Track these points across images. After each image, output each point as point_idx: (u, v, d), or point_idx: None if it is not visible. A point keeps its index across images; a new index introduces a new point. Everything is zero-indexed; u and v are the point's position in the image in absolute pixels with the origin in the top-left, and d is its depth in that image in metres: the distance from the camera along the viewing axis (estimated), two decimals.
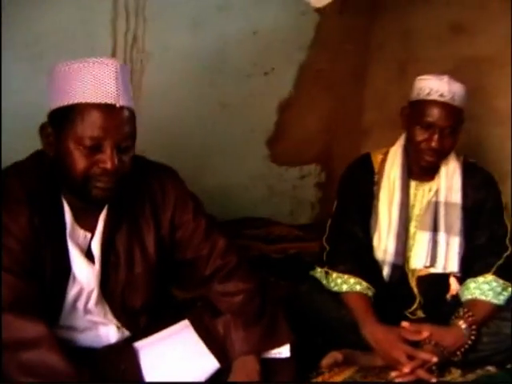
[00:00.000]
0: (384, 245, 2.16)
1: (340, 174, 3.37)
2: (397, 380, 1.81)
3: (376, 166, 2.25)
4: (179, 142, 2.73)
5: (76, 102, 1.36)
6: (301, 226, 3.41)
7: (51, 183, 1.46)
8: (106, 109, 1.37)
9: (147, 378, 1.42)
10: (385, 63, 3.42)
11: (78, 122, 1.36)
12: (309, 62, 3.23)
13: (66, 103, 1.38)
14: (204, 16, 2.77)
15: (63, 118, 1.38)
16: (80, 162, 1.37)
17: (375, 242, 2.17)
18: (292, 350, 1.61)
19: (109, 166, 1.37)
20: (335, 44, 3.28)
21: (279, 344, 1.58)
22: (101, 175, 1.39)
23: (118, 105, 1.37)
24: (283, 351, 1.58)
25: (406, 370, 1.79)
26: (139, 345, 1.50)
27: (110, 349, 1.49)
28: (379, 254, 2.16)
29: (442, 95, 2.03)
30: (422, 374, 1.80)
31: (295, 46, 3.16)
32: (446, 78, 2.06)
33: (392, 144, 2.30)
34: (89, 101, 1.36)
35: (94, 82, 1.36)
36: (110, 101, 1.37)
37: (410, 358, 1.83)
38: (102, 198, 1.42)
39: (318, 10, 3.19)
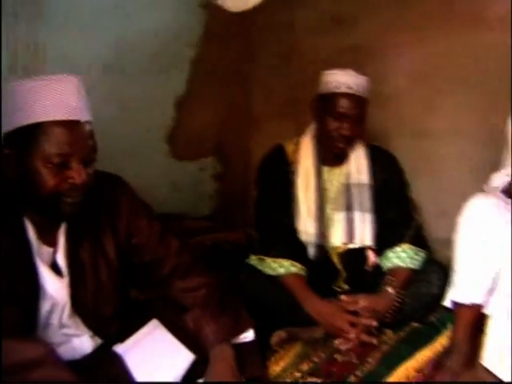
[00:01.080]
0: (306, 227, 2.34)
1: (233, 165, 3.55)
2: (341, 347, 2.00)
3: (290, 156, 2.42)
4: None
5: (39, 120, 1.37)
6: (205, 218, 3.51)
7: (11, 203, 1.46)
8: (71, 125, 1.39)
9: (138, 379, 1.48)
10: (270, 56, 3.59)
11: (44, 141, 1.37)
12: (199, 58, 3.33)
13: (27, 123, 1.38)
14: (100, 19, 2.77)
15: (26, 138, 1.38)
16: (49, 179, 1.39)
17: (298, 226, 2.34)
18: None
19: (78, 181, 1.41)
20: (223, 39, 3.40)
21: (245, 329, 1.70)
22: (70, 190, 1.42)
23: (82, 120, 1.41)
24: (249, 335, 1.70)
25: (352, 335, 1.99)
26: (120, 350, 1.54)
27: (94, 358, 1.53)
28: (303, 236, 2.34)
29: (349, 87, 2.24)
30: (365, 337, 2.02)
31: (187, 44, 3.23)
32: (351, 72, 2.28)
33: (282, 133, 2.50)
34: (52, 118, 1.38)
35: (57, 99, 1.38)
36: (73, 117, 1.40)
37: (352, 325, 2.03)
38: (71, 212, 1.45)
39: (205, 7, 3.30)
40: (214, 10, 3.20)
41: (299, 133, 2.57)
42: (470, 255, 2.00)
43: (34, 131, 1.37)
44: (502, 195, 2.05)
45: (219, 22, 3.32)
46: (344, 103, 2.23)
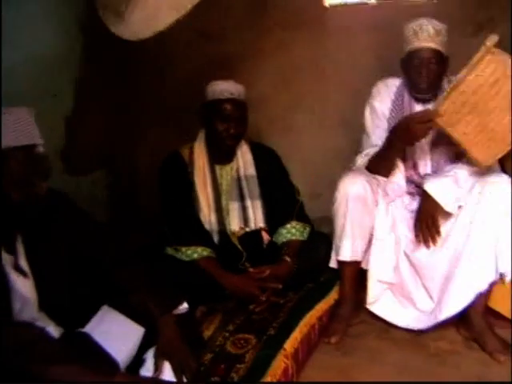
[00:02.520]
0: (208, 218, 2.72)
1: (122, 174, 3.82)
2: (256, 309, 2.42)
3: (186, 159, 2.79)
4: None
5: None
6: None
7: None
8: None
9: (110, 352, 1.79)
10: (145, 69, 3.89)
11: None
12: (83, 78, 3.58)
13: None
14: None
15: None
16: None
17: (202, 218, 2.72)
18: None
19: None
20: (101, 58, 3.68)
21: (180, 302, 2.04)
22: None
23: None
24: (184, 307, 2.05)
25: (263, 298, 2.44)
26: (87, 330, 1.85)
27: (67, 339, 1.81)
28: (207, 225, 2.72)
29: (231, 93, 2.66)
30: (273, 298, 2.46)
31: (71, 66, 3.48)
32: (231, 81, 2.70)
33: (164, 139, 3.09)
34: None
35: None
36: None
37: (262, 290, 2.46)
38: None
39: (83, 30, 3.57)
40: (92, 33, 3.48)
41: (180, 136, 2.93)
42: (347, 222, 2.49)
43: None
44: (365, 171, 2.57)
45: (97, 43, 3.58)
46: (228, 106, 2.64)
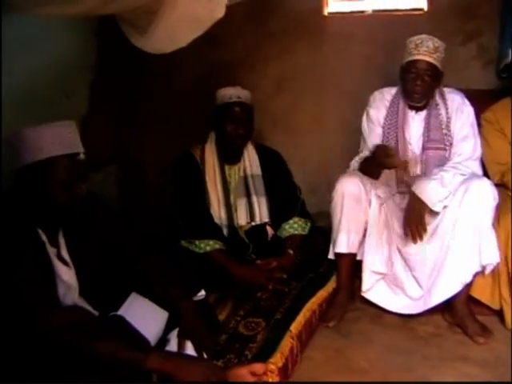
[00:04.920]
0: (218, 213, 3.00)
1: (130, 170, 4.05)
2: (263, 296, 2.69)
3: (198, 159, 3.05)
4: None
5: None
6: None
7: (27, 218, 1.97)
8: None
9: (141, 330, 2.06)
10: (152, 72, 4.12)
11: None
12: (96, 81, 3.83)
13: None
14: (11, 56, 3.14)
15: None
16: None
17: (212, 213, 2.99)
18: None
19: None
20: (114, 62, 3.92)
21: (199, 289, 2.32)
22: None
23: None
24: (202, 294, 2.32)
25: (270, 287, 2.71)
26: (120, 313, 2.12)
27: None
28: (216, 220, 2.99)
29: (239, 97, 2.94)
30: (279, 287, 2.73)
31: (85, 69, 3.72)
32: (238, 87, 2.96)
33: (168, 138, 3.49)
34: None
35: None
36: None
37: (269, 279, 2.74)
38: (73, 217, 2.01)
39: (98, 35, 3.81)
40: (105, 38, 3.72)
41: (183, 134, 3.22)
42: (343, 218, 2.77)
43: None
44: (360, 173, 2.84)
45: (109, 48, 3.82)
46: (237, 109, 2.92)
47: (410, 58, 2.75)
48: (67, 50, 3.53)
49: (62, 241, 2.05)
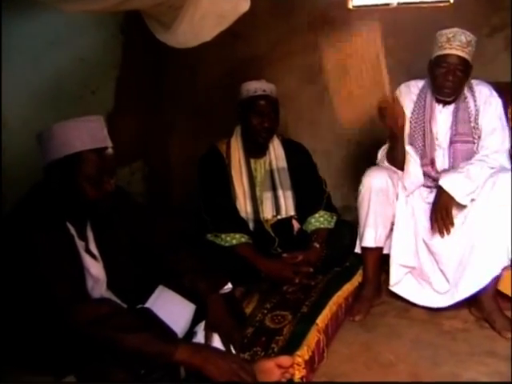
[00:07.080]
0: (244, 207, 3.01)
1: (157, 165, 4.08)
2: (290, 290, 2.70)
3: (223, 153, 3.06)
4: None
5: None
6: None
7: (57, 211, 2.00)
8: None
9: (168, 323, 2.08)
10: (178, 68, 4.15)
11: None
12: (122, 77, 3.86)
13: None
14: (39, 52, 3.19)
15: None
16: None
17: (238, 207, 3.00)
18: None
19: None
20: (139, 58, 3.95)
21: (226, 283, 2.33)
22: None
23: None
24: (228, 287, 2.33)
25: (297, 280, 2.71)
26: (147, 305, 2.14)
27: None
28: (242, 214, 3.00)
29: (264, 91, 2.94)
30: (306, 281, 2.73)
31: (111, 65, 3.75)
32: (263, 80, 2.97)
33: (195, 132, 3.48)
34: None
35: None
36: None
37: (295, 273, 2.75)
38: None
39: (123, 32, 3.84)
40: (131, 34, 3.75)
41: (209, 130, 3.21)
42: (370, 212, 2.76)
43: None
44: (386, 166, 2.83)
45: (135, 44, 3.85)
46: (262, 102, 2.92)
47: (442, 52, 2.70)
48: (93, 45, 3.58)
49: (90, 234, 2.08)
